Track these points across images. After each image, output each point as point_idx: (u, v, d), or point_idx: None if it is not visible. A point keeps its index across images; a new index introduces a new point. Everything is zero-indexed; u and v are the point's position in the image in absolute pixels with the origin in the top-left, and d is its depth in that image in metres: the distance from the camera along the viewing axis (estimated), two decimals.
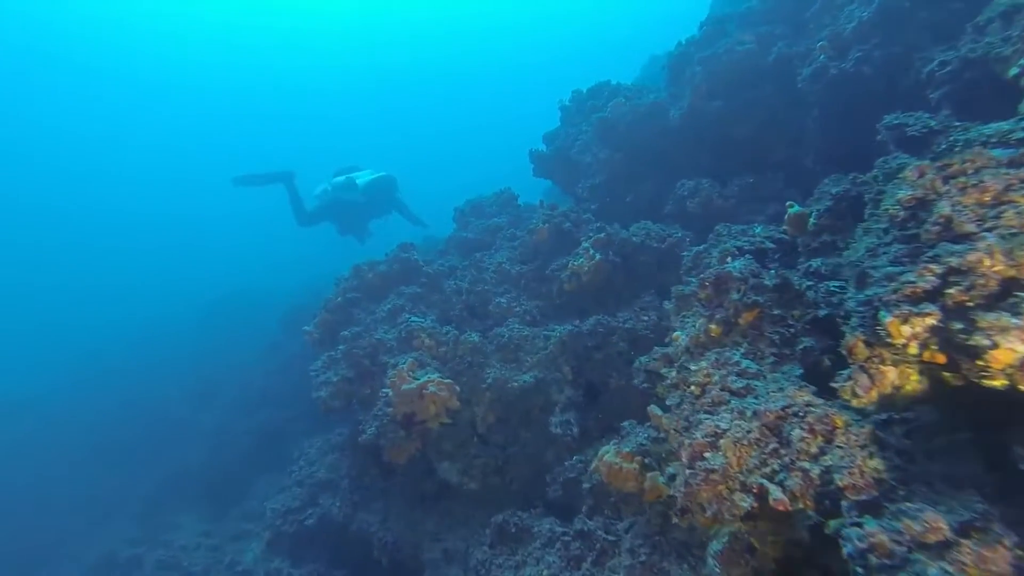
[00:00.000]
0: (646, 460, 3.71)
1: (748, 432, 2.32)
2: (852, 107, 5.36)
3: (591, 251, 5.75)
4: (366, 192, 10.38)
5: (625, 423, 4.20)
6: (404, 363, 5.47)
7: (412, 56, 56.40)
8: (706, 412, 2.67)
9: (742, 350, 2.83)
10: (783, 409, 2.24)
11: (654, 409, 3.79)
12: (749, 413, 2.37)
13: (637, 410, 5.26)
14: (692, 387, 2.92)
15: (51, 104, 47.88)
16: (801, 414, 2.18)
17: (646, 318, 5.46)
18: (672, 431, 3.16)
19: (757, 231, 4.22)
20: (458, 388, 5.39)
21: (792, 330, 2.80)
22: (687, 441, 2.54)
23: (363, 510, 6.90)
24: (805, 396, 2.26)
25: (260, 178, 10.95)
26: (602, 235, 5.83)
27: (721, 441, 2.40)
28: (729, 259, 3.28)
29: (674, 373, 3.24)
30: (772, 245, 3.62)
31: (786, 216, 3.80)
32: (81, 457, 14.84)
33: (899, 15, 4.86)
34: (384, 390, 5.49)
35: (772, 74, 6.43)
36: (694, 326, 3.25)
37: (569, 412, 5.34)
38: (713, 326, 3.04)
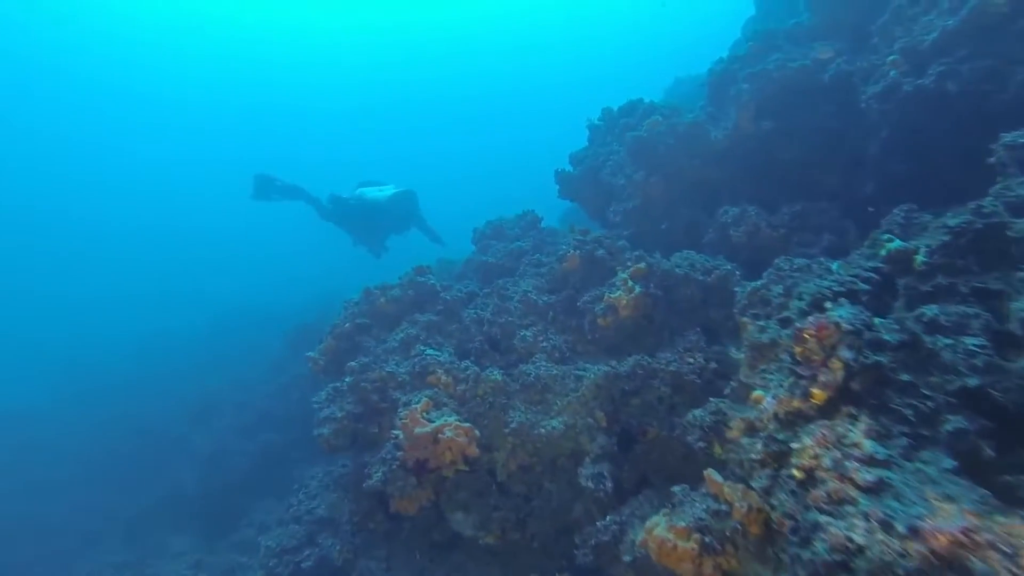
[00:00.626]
0: (706, 539, 3.06)
1: (902, 556, 1.66)
2: (930, 128, 4.73)
3: (630, 283, 5.11)
4: (384, 207, 10.21)
5: (677, 488, 3.53)
6: (418, 402, 4.83)
7: (433, 73, 56.09)
8: (822, 511, 2.01)
9: (861, 427, 2.17)
10: (964, 532, 1.58)
11: (714, 475, 3.13)
12: (900, 528, 1.72)
13: (679, 466, 4.62)
14: (793, 470, 2.27)
15: (54, 111, 47.65)
16: (1000, 544, 1.51)
17: (691, 360, 4.79)
18: (748, 514, 2.51)
19: (837, 268, 3.56)
20: (478, 433, 4.74)
21: (931, 403, 2.15)
22: (804, 555, 1.88)
23: (365, 556, 6.21)
24: (998, 518, 1.59)
25: (281, 187, 10.53)
26: (642, 265, 5.20)
27: (858, 563, 1.74)
28: (828, 304, 2.62)
29: (759, 446, 2.58)
30: (865, 287, 2.97)
31: (885, 252, 3.16)
32: (72, 473, 14.20)
33: (993, 24, 4.24)
34: (394, 431, 4.84)
35: (829, 92, 5.82)
36: (785, 387, 2.60)
37: (602, 463, 4.67)
38: (816, 390, 2.39)
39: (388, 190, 10.43)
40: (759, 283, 4.38)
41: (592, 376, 4.88)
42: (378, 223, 10.66)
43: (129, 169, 50.59)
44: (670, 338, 5.16)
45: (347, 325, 6.31)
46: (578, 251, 5.92)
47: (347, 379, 5.53)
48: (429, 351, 5.38)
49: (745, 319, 4.20)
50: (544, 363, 5.26)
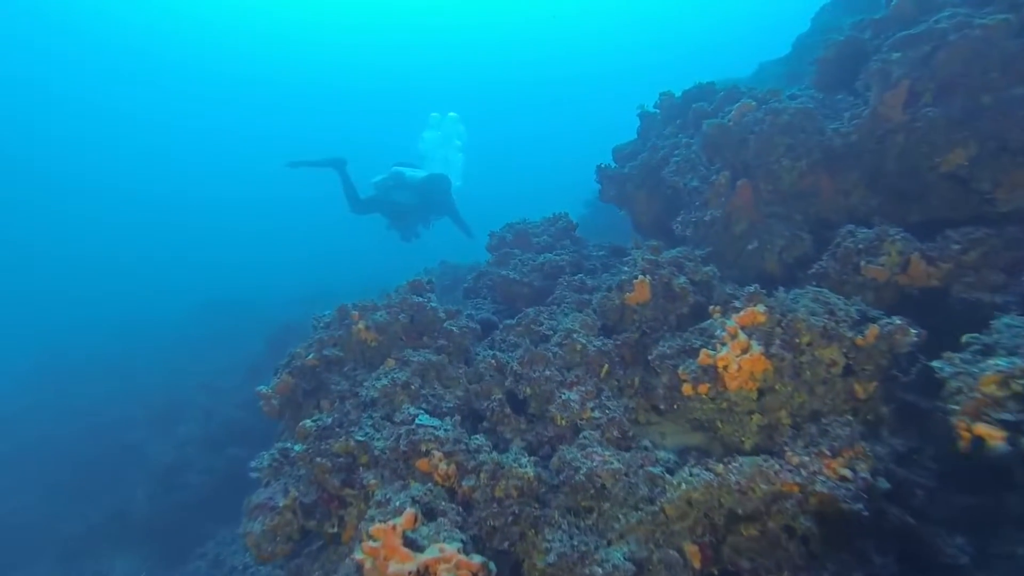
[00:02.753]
0: None
1: None
2: None
3: (741, 336, 3.18)
4: (418, 188, 9.86)
5: None
6: (397, 508, 2.90)
7: (454, 62, 53.13)
8: None
9: None
10: None
11: None
12: None
13: None
14: None
15: (35, 101, 44.82)
16: None
17: (846, 472, 2.87)
18: None
19: None
20: (493, 568, 2.79)
21: None
22: None
23: None
24: None
25: (314, 164, 10.21)
26: (760, 309, 3.26)
27: None
28: None
29: None
30: None
31: None
32: (12, 480, 12.22)
33: None
34: (357, 554, 2.89)
35: None
36: None
37: None
38: None
39: (422, 172, 10.09)
40: (1006, 363, 2.49)
41: (683, 484, 2.95)
42: (406, 209, 10.20)
43: (115, 148, 48.12)
44: (796, 427, 3.23)
45: (310, 358, 4.37)
46: (648, 276, 3.99)
47: (298, 448, 3.59)
48: (423, 418, 3.44)
49: (987, 428, 2.33)
50: (598, 447, 3.33)
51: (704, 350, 3.28)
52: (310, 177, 11.66)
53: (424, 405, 3.96)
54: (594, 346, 3.87)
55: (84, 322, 21.82)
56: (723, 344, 3.24)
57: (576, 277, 4.94)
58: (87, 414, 13.63)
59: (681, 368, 3.41)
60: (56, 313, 25.26)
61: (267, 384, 4.56)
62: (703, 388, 3.31)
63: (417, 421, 3.36)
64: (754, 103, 5.11)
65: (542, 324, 4.24)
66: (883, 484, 2.79)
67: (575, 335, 3.91)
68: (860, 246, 4.09)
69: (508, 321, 4.44)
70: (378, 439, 3.49)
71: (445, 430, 3.34)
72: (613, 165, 6.82)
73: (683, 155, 5.59)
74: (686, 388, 3.37)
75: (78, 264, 36.17)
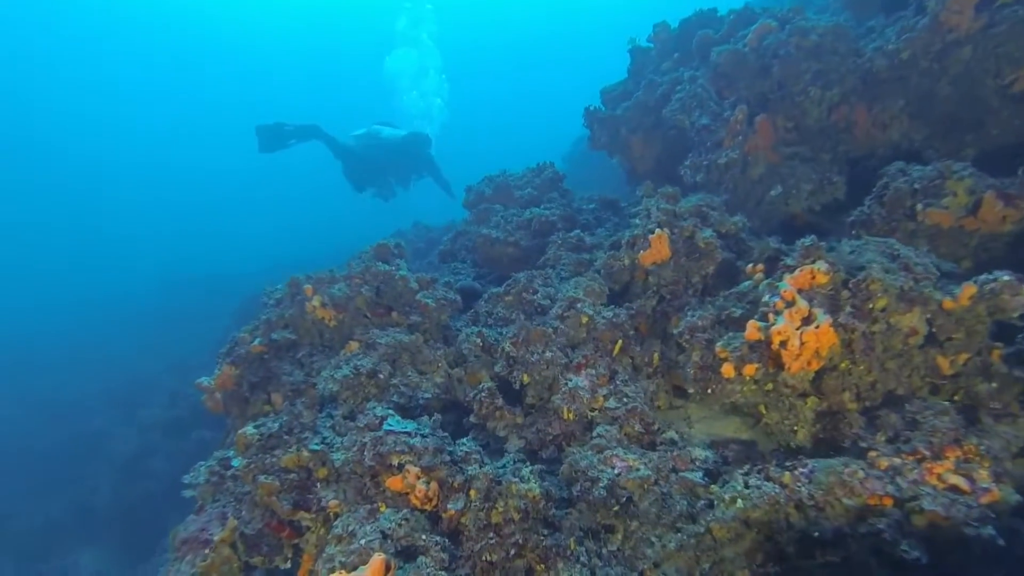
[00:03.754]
0: None
1: None
2: None
3: (805, 305, 2.41)
4: (396, 148, 9.56)
5: None
6: (363, 559, 2.13)
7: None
8: None
9: None
10: None
11: None
12: None
13: None
14: None
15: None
16: None
17: (958, 480, 2.14)
18: None
19: None
20: None
21: None
22: None
23: None
24: None
25: (284, 131, 9.47)
26: (822, 267, 2.49)
27: None
28: None
29: None
30: None
31: None
32: None
33: None
34: None
35: None
36: None
37: None
38: None
39: (403, 131, 9.76)
40: None
41: (739, 501, 2.21)
42: (391, 163, 9.86)
43: (77, 116, 45.18)
44: (869, 415, 2.49)
45: (256, 344, 3.53)
46: (666, 229, 3.19)
47: (238, 461, 2.77)
48: (393, 421, 2.63)
49: None
50: (619, 448, 2.57)
51: (752, 322, 2.50)
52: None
53: (396, 397, 3.16)
54: (604, 318, 3.08)
55: (42, 301, 20.57)
56: (776, 313, 2.46)
57: (572, 234, 4.12)
58: (45, 398, 12.64)
59: (720, 344, 2.64)
60: (11, 292, 23.81)
61: (207, 376, 3.72)
62: (750, 369, 2.54)
63: (386, 426, 2.56)
64: (775, 23, 4.28)
65: (536, 292, 3.43)
66: (1012, 495, 2.06)
67: (579, 305, 3.11)
68: (916, 186, 3.32)
69: (495, 289, 3.62)
70: (338, 449, 2.69)
71: (422, 436, 2.54)
72: (603, 108, 5.97)
73: (688, 91, 4.75)
74: (727, 369, 2.60)
75: (36, 240, 34.14)
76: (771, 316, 2.47)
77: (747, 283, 2.92)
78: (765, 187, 4.23)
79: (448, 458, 2.48)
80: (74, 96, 42.88)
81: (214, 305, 15.53)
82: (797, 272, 2.52)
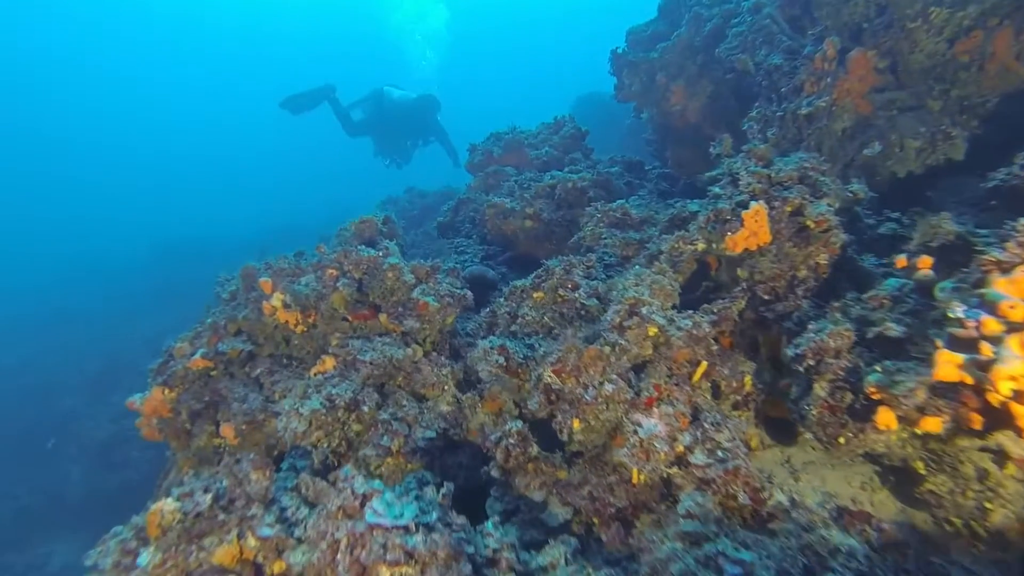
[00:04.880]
0: None
1: None
2: None
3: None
4: (413, 108, 9.54)
5: None
6: None
7: None
8: None
9: None
10: None
11: None
12: None
13: None
14: None
15: None
16: None
17: None
18: None
19: None
20: None
21: None
22: None
23: None
24: None
25: (305, 98, 9.69)
26: None
27: None
28: None
29: None
30: None
31: None
32: None
33: None
34: None
35: None
36: None
37: None
38: None
39: (413, 94, 9.70)
40: None
41: None
42: (396, 128, 9.84)
43: (78, 78, 42.90)
44: None
45: (198, 357, 2.56)
46: (762, 201, 2.23)
47: (147, 556, 1.84)
48: (380, 502, 1.68)
49: None
50: (728, 545, 1.66)
51: (945, 353, 1.55)
52: (275, 109, 10.46)
53: (386, 439, 2.23)
54: (680, 329, 2.13)
55: (15, 269, 19.41)
56: (990, 340, 1.52)
57: (614, 205, 3.13)
58: (14, 376, 11.67)
59: (875, 379, 1.70)
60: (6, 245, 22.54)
61: (137, 396, 2.77)
62: (931, 424, 1.61)
63: (369, 515, 1.62)
64: None
65: (578, 288, 2.47)
66: None
67: (645, 310, 2.15)
68: None
69: (518, 282, 2.65)
70: (302, 539, 1.76)
71: (426, 531, 1.60)
72: (629, 53, 4.93)
73: (750, 23, 3.73)
74: (885, 418, 1.67)
75: (11, 201, 32.16)
76: (982, 346, 1.52)
77: (895, 281, 1.97)
78: (856, 144, 3.25)
79: (469, 570, 1.55)
80: (57, 55, 40.70)
81: (198, 277, 14.48)
82: (1017, 272, 1.57)
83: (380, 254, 2.63)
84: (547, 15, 44.39)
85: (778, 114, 3.35)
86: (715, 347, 2.19)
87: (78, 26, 39.37)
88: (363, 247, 2.69)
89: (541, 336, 2.47)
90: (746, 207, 2.23)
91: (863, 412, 1.75)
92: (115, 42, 41.32)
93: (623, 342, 2.15)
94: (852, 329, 1.88)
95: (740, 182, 2.33)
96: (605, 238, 2.94)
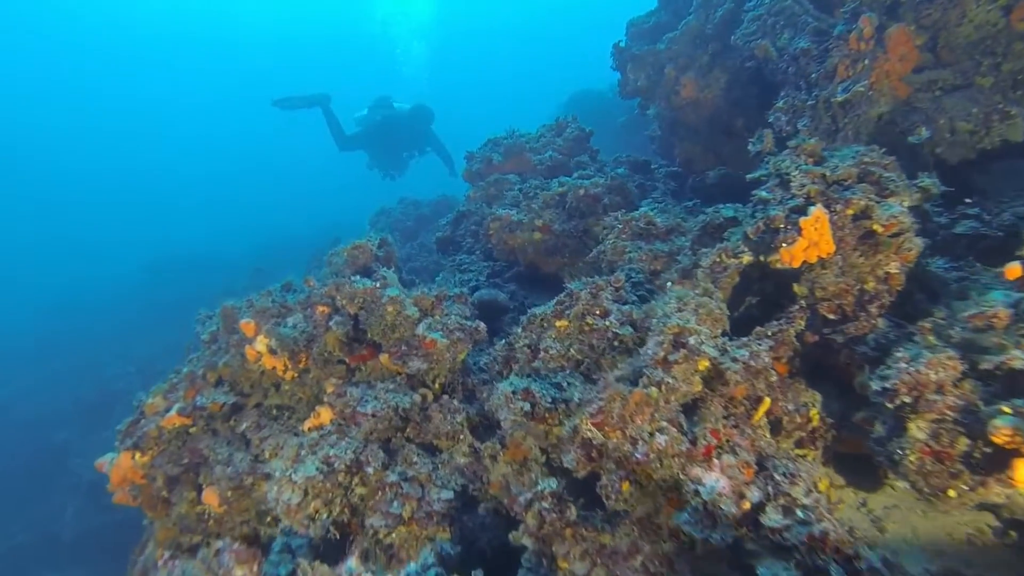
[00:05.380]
0: None
1: None
2: None
3: None
4: (407, 120, 9.55)
5: None
6: None
7: None
8: None
9: None
10: None
11: None
12: None
13: None
14: None
15: None
16: None
17: None
18: None
19: None
20: None
21: None
22: None
23: None
24: None
25: (298, 100, 9.80)
26: None
27: None
28: None
29: None
30: None
31: None
32: None
33: None
34: None
35: None
36: None
37: None
38: None
39: (407, 104, 9.76)
40: None
41: None
42: (391, 140, 9.81)
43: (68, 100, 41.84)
44: None
45: (173, 414, 2.22)
46: (821, 206, 1.90)
47: None
48: None
49: None
50: None
51: None
52: (265, 117, 10.52)
53: (396, 506, 1.89)
54: (736, 361, 1.79)
55: (6, 294, 18.96)
56: None
57: (637, 213, 2.79)
58: (5, 412, 11.28)
59: (1003, 423, 1.37)
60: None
61: (107, 458, 2.43)
62: None
63: None
64: None
65: (609, 313, 2.13)
66: None
67: (693, 340, 1.81)
68: None
69: (537, 310, 2.30)
70: None
71: None
72: (631, 45, 4.60)
73: (769, 5, 3.40)
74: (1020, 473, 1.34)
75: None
76: None
77: (1002, 295, 1.64)
78: (897, 131, 2.92)
79: None
80: (33, 72, 39.84)
81: (192, 296, 14.11)
82: None
83: (377, 285, 2.29)
84: (534, 14, 43.76)
85: (809, 103, 3.02)
86: (774, 378, 1.85)
87: (55, 43, 38.66)
88: (357, 278, 2.34)
89: (568, 372, 2.13)
90: (802, 213, 1.90)
91: (985, 462, 1.42)
92: (95, 59, 40.60)
93: (670, 380, 1.80)
94: (958, 357, 1.54)
95: (792, 183, 1.99)
96: (630, 252, 2.60)
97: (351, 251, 2.49)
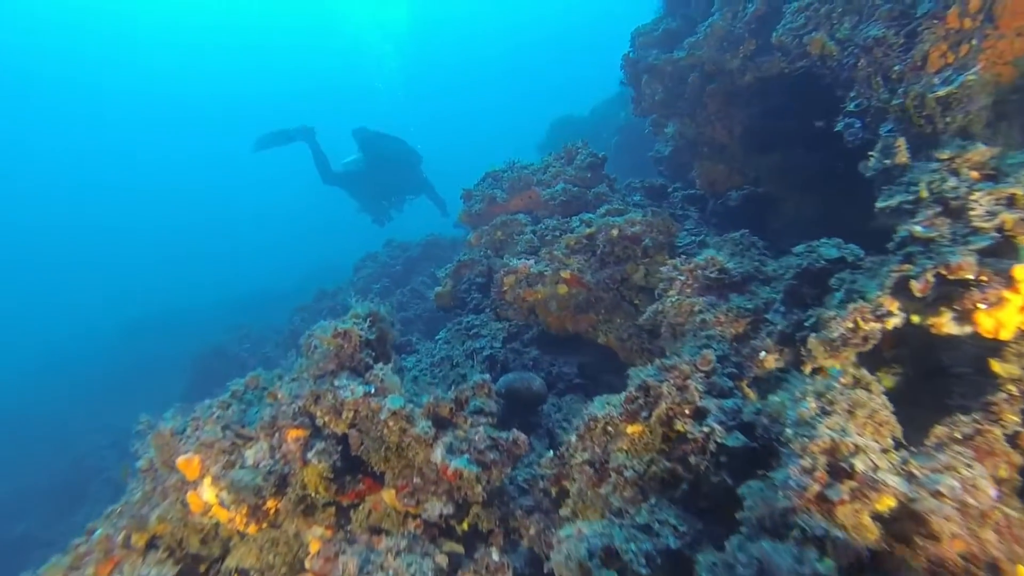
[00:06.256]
0: None
1: None
2: None
3: None
4: (390, 166, 9.09)
5: None
6: None
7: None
8: None
9: None
10: None
11: None
12: None
13: None
14: None
15: None
16: None
17: None
18: None
19: None
20: None
21: None
22: None
23: None
24: None
25: (278, 136, 9.34)
26: None
27: None
28: None
29: None
30: None
31: None
32: None
33: None
34: None
35: None
36: None
37: None
38: None
39: (392, 143, 9.32)
40: None
41: None
42: (382, 182, 9.39)
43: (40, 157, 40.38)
44: None
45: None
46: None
47: None
48: None
49: None
50: None
51: None
52: (242, 165, 9.69)
53: None
54: (942, 495, 1.13)
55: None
56: None
57: (700, 260, 2.13)
58: None
59: None
60: None
61: None
62: None
63: None
64: None
65: (707, 413, 1.46)
66: None
67: (861, 462, 1.15)
68: None
69: (597, 409, 1.59)
70: None
71: None
72: (637, 55, 4.02)
73: None
74: None
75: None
76: None
77: None
78: (1017, 129, 2.32)
79: None
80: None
81: (168, 355, 13.34)
82: None
83: (373, 391, 1.61)
84: (509, 44, 43.36)
85: (895, 102, 2.41)
86: (1003, 521, 1.19)
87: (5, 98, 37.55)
88: (344, 379, 1.66)
89: (654, 502, 1.46)
90: (998, 256, 1.25)
91: None
92: (57, 120, 39.51)
93: (837, 533, 1.14)
94: None
95: (972, 211, 1.36)
96: (700, 312, 1.94)
97: (333, 340, 1.81)
